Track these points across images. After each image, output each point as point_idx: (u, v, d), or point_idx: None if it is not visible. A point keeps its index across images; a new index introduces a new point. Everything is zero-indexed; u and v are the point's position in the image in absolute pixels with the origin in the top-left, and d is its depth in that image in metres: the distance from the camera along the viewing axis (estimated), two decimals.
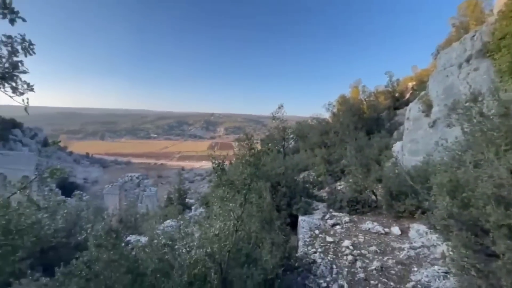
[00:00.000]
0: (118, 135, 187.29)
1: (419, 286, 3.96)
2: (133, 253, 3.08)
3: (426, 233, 5.08)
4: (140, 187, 37.23)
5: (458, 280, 3.83)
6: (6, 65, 2.04)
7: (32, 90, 2.07)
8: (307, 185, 9.86)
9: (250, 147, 3.61)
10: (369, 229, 6.27)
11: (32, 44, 2.02)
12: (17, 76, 2.03)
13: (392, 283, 4.14)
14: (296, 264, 4.68)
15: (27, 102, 2.04)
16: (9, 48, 2.02)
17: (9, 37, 2.02)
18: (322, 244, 5.73)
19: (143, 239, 6.05)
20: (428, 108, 8.79)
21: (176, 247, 3.50)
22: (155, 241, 3.67)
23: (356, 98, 18.83)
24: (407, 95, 18.74)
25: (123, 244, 3.33)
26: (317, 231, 6.44)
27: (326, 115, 18.99)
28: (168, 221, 9.42)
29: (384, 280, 4.25)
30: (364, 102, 17.96)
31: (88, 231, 5.40)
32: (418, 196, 5.99)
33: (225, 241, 2.75)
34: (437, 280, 3.98)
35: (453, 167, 4.68)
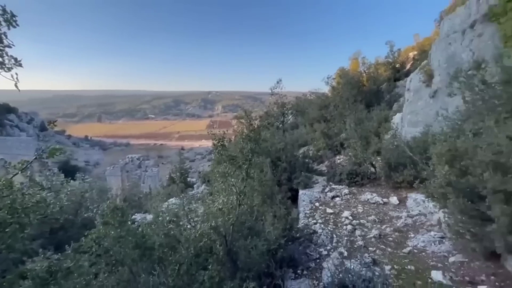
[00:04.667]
0: (115, 117, 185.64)
1: (415, 250, 4.15)
2: (140, 229, 3.18)
3: (424, 201, 5.22)
4: (141, 168, 37.67)
5: (453, 243, 4.02)
6: None
7: (20, 65, 1.99)
8: (306, 160, 9.96)
9: (249, 124, 3.59)
10: (368, 200, 6.44)
11: (15, 16, 1.90)
12: (2, 50, 1.94)
13: (389, 249, 4.34)
14: (298, 235, 4.86)
15: (17, 78, 1.97)
16: None
17: None
18: (322, 216, 5.92)
19: (149, 217, 6.24)
20: (429, 78, 8.61)
21: (181, 223, 3.61)
22: (160, 218, 3.78)
23: (355, 70, 18.38)
24: (408, 66, 18.28)
25: (129, 222, 3.43)
26: (317, 204, 6.61)
27: (326, 89, 18.69)
28: (171, 199, 9.64)
29: (382, 246, 4.44)
30: (364, 74, 17.56)
31: (95, 211, 5.54)
32: (417, 167, 6.06)
33: (228, 215, 2.83)
34: (432, 244, 4.16)
35: (452, 136, 4.69)
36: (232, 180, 2.94)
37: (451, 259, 3.72)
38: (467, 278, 3.28)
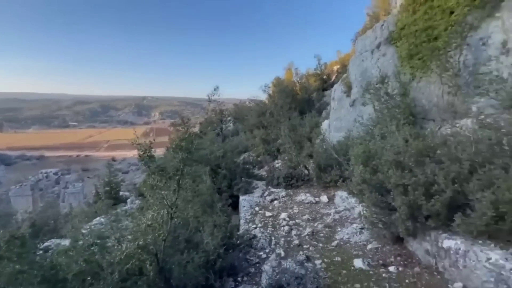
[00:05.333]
0: (24, 125, 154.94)
1: (341, 243, 4.62)
2: (49, 259, 2.68)
3: (347, 198, 5.89)
4: (60, 184, 32.23)
5: (370, 233, 4.62)
6: None
7: None
8: (247, 166, 10.15)
9: (186, 131, 3.46)
10: (303, 200, 6.91)
11: None
12: None
13: (320, 244, 4.73)
14: (238, 242, 4.86)
15: None
16: None
17: None
18: (262, 219, 6.08)
19: (65, 242, 5.32)
20: (348, 89, 9.88)
21: (108, 244, 3.19)
22: (81, 241, 3.26)
23: (290, 80, 19.81)
24: (333, 78, 20.67)
25: (36, 251, 2.87)
26: (257, 208, 6.77)
27: (263, 97, 19.56)
28: (97, 218, 8.49)
29: (315, 242, 4.81)
30: (297, 84, 19.08)
31: None
32: (341, 167, 6.83)
33: (159, 231, 2.64)
34: (355, 235, 4.71)
35: (366, 140, 5.45)
36: (163, 192, 2.76)
37: (369, 246, 4.28)
38: (380, 261, 3.81)
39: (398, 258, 3.84)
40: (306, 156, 8.93)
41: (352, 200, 5.54)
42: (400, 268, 3.57)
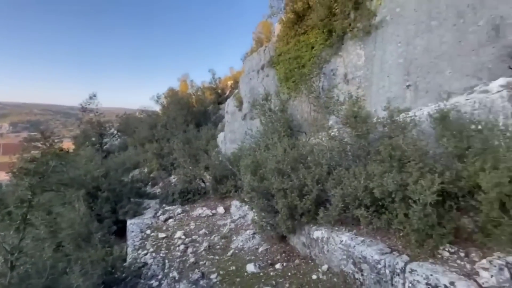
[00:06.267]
0: None
1: (236, 251, 4.79)
2: None
3: (241, 206, 6.22)
4: None
5: (260, 236, 5.01)
6: None
7: None
8: (137, 184, 9.08)
9: (48, 147, 2.69)
10: (200, 214, 6.79)
11: None
12: None
13: (217, 257, 4.73)
14: (124, 275, 4.20)
15: None
16: None
17: None
18: (154, 243, 5.52)
19: None
20: (240, 104, 10.66)
21: None
22: None
23: (185, 91, 19.45)
24: (228, 92, 21.83)
25: None
26: (148, 231, 6.11)
27: (157, 108, 18.27)
28: None
29: (211, 256, 4.77)
30: (193, 96, 18.96)
31: None
32: (236, 178, 7.17)
33: None
34: (248, 241, 4.99)
35: (255, 151, 5.98)
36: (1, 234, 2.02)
37: (260, 249, 4.63)
38: (269, 261, 4.18)
39: (283, 255, 4.33)
40: (203, 169, 8.89)
41: (245, 207, 5.89)
42: (284, 264, 4.03)
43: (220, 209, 6.95)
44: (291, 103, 7.86)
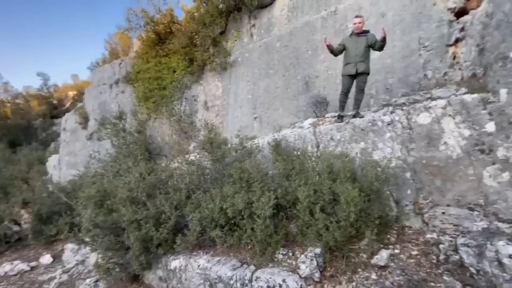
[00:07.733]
0: None
1: None
2: None
3: (79, 249, 4.96)
4: None
5: (107, 282, 4.16)
6: None
7: None
8: None
9: None
10: (7, 272, 4.77)
11: None
12: None
13: None
14: None
15: None
16: None
17: None
18: None
19: None
20: (85, 120, 8.84)
21: None
22: None
23: None
24: (68, 104, 17.54)
25: None
26: None
27: None
28: None
29: None
30: (8, 105, 13.82)
31: None
32: (73, 213, 5.69)
33: None
34: None
35: (103, 177, 5.05)
36: None
37: None
38: None
39: None
40: (19, 205, 6.46)
41: (85, 250, 4.74)
42: None
43: (45, 258, 5.21)
44: (151, 124, 7.42)
